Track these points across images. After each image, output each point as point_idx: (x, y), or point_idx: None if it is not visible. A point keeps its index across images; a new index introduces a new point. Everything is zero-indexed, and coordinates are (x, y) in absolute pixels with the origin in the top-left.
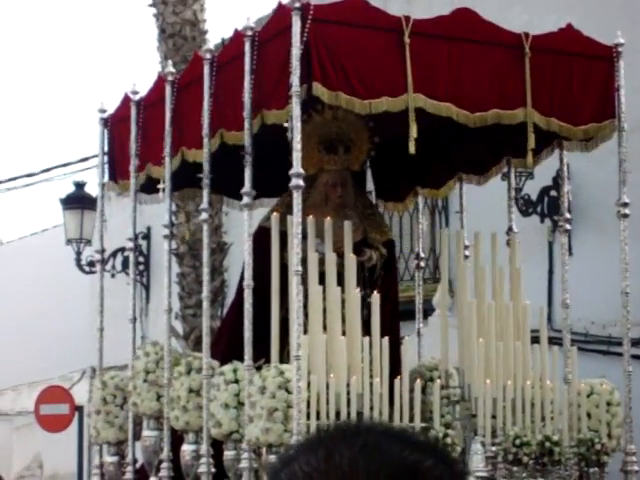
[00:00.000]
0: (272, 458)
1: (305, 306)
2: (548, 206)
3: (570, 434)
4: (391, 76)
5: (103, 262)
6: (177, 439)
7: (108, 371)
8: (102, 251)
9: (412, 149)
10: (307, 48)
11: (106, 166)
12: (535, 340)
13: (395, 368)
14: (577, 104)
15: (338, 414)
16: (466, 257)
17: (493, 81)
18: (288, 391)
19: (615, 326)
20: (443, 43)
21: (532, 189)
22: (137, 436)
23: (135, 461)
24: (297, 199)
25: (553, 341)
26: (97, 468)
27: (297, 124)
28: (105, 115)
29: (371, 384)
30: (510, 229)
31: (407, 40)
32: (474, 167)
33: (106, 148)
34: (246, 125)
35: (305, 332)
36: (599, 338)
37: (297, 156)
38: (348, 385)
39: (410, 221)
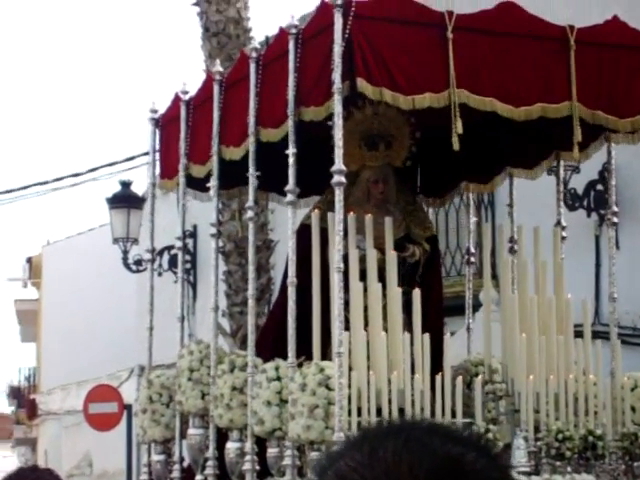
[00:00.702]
0: (314, 455)
1: (347, 303)
2: (595, 200)
3: (614, 428)
4: (434, 72)
5: (153, 261)
6: (222, 437)
7: (155, 370)
8: (152, 250)
9: (456, 146)
10: (349, 45)
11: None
12: (582, 334)
13: (440, 364)
14: (624, 96)
15: (379, 411)
16: (514, 252)
17: (538, 75)
18: (328, 388)
19: None
20: (486, 38)
21: (578, 183)
22: (183, 434)
23: (182, 459)
24: (339, 196)
25: (600, 335)
26: (145, 467)
27: (339, 121)
28: (156, 115)
29: (413, 380)
30: (559, 222)
31: (450, 35)
32: (523, 161)
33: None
34: (290, 123)
35: (347, 329)
36: None
37: (339, 153)
38: (390, 382)
39: (456, 216)
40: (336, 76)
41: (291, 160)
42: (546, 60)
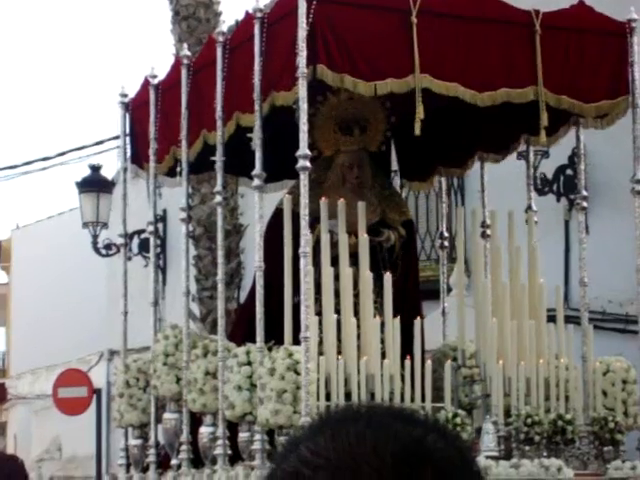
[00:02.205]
0: (282, 440)
1: (319, 287)
2: (564, 185)
3: (586, 413)
4: (397, 57)
5: (126, 246)
6: (197, 421)
7: (127, 354)
8: (125, 235)
9: (417, 130)
10: (312, 29)
11: (127, 150)
12: (552, 319)
13: (411, 348)
14: (589, 81)
15: (349, 395)
16: (487, 236)
17: (502, 60)
18: (297, 373)
19: (632, 304)
20: (451, 22)
21: (548, 168)
22: (160, 419)
23: (158, 444)
24: (304, 180)
25: (570, 320)
26: (122, 451)
27: (304, 105)
28: (126, 99)
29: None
30: (529, 207)
31: (414, 20)
32: (493, 146)
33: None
34: (256, 107)
35: (320, 314)
36: (616, 316)
37: (303, 137)
38: (359, 367)
39: (426, 201)
40: (300, 60)
41: (258, 144)
42: (511, 45)
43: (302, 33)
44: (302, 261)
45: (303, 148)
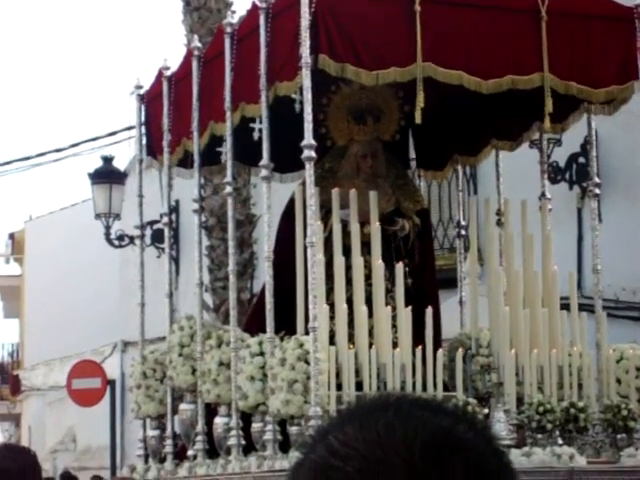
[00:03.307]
0: (294, 430)
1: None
2: (577, 173)
3: (601, 401)
4: (400, 46)
5: (142, 237)
6: (212, 412)
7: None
8: (141, 226)
9: (418, 119)
10: (315, 19)
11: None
12: (566, 307)
13: (435, 337)
14: (597, 67)
15: (360, 385)
16: (501, 224)
17: (508, 47)
18: (307, 363)
19: None
20: (455, 10)
21: (560, 156)
22: (176, 410)
23: (175, 435)
24: (309, 170)
25: (584, 308)
26: (141, 442)
27: (308, 95)
28: (142, 91)
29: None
30: (543, 195)
31: (418, 8)
32: (507, 134)
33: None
34: (262, 98)
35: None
36: (630, 304)
37: (308, 127)
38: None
39: (439, 191)
40: (304, 50)
41: (264, 135)
42: (516, 32)
43: (304, 23)
44: (309, 251)
45: (308, 138)
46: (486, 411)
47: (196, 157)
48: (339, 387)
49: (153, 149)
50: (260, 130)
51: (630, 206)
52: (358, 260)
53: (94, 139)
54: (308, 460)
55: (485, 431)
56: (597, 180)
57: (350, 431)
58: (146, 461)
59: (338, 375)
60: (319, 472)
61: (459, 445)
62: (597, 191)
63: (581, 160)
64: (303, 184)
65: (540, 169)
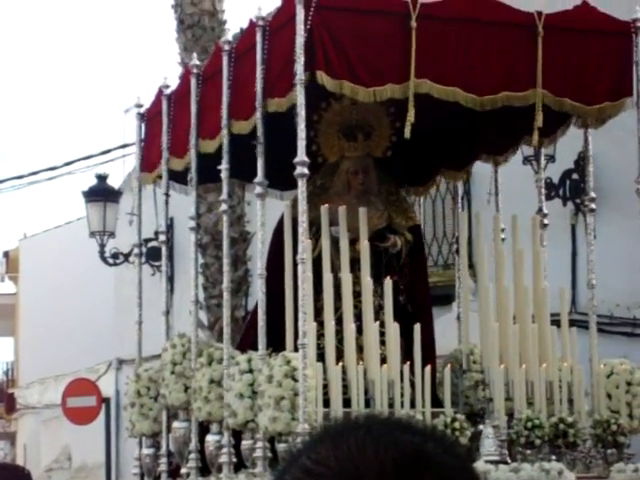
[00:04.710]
0: (282, 447)
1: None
2: (570, 189)
3: (592, 416)
4: (396, 62)
5: (141, 255)
6: (205, 430)
7: (133, 363)
8: (140, 245)
9: (407, 134)
10: (311, 36)
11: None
12: (558, 323)
13: (426, 354)
14: (592, 82)
15: (348, 402)
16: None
17: (504, 63)
18: (295, 379)
19: None
20: (452, 26)
21: (554, 173)
22: (171, 428)
23: (170, 453)
24: (301, 187)
25: (578, 324)
26: (136, 460)
27: (301, 112)
28: (142, 110)
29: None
30: (540, 210)
31: (414, 24)
32: (494, 148)
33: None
34: (258, 115)
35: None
36: (624, 320)
37: (302, 144)
38: (357, 373)
39: (432, 207)
40: (298, 67)
41: (259, 152)
42: (513, 48)
43: (300, 40)
44: (300, 267)
45: (301, 155)
46: (481, 427)
47: (194, 175)
48: (327, 404)
49: (144, 167)
50: (254, 146)
51: (624, 222)
52: (347, 276)
53: (88, 157)
54: None
55: (454, 448)
56: (592, 195)
57: (322, 450)
58: (142, 479)
59: (326, 392)
60: None
61: (429, 461)
62: (592, 206)
63: (575, 177)
64: (292, 201)
65: (537, 185)
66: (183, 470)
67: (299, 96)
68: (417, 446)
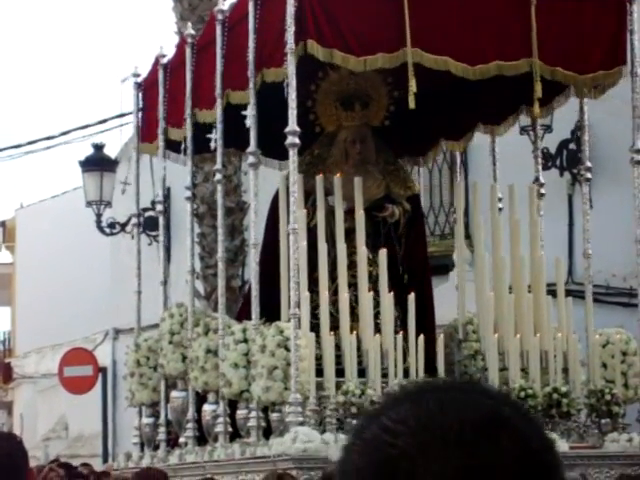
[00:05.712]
0: (275, 416)
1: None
2: (567, 159)
3: (587, 385)
4: (388, 31)
5: (139, 225)
6: (202, 399)
7: (132, 333)
8: (138, 215)
9: (412, 104)
10: (302, 5)
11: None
12: (555, 292)
13: (426, 324)
14: (586, 51)
15: (342, 372)
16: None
17: (496, 32)
18: (287, 349)
19: (636, 278)
20: None
21: (551, 143)
22: (169, 397)
23: (168, 422)
24: (292, 157)
25: (574, 294)
26: (136, 430)
27: (292, 82)
28: (139, 79)
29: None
30: (537, 179)
31: None
32: (492, 117)
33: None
34: (250, 85)
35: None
36: (620, 290)
37: (292, 113)
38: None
39: (430, 177)
40: (289, 37)
41: (251, 122)
42: (505, 16)
43: (290, 9)
44: (291, 238)
45: (292, 124)
46: None
47: (189, 145)
48: (320, 373)
49: (142, 137)
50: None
51: (620, 192)
52: (342, 246)
53: (85, 127)
54: (359, 439)
55: (528, 414)
56: (588, 164)
57: (402, 410)
58: (142, 449)
59: (320, 362)
60: (372, 448)
61: (507, 423)
62: (588, 175)
63: (572, 147)
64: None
65: (533, 154)
66: (181, 439)
67: (289, 66)
68: (495, 408)
